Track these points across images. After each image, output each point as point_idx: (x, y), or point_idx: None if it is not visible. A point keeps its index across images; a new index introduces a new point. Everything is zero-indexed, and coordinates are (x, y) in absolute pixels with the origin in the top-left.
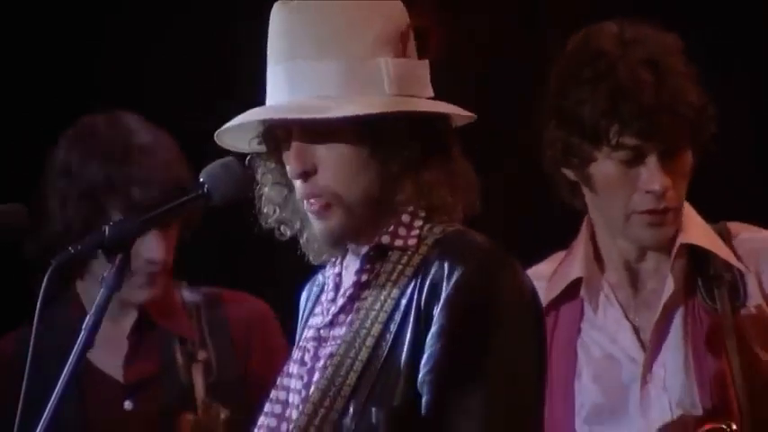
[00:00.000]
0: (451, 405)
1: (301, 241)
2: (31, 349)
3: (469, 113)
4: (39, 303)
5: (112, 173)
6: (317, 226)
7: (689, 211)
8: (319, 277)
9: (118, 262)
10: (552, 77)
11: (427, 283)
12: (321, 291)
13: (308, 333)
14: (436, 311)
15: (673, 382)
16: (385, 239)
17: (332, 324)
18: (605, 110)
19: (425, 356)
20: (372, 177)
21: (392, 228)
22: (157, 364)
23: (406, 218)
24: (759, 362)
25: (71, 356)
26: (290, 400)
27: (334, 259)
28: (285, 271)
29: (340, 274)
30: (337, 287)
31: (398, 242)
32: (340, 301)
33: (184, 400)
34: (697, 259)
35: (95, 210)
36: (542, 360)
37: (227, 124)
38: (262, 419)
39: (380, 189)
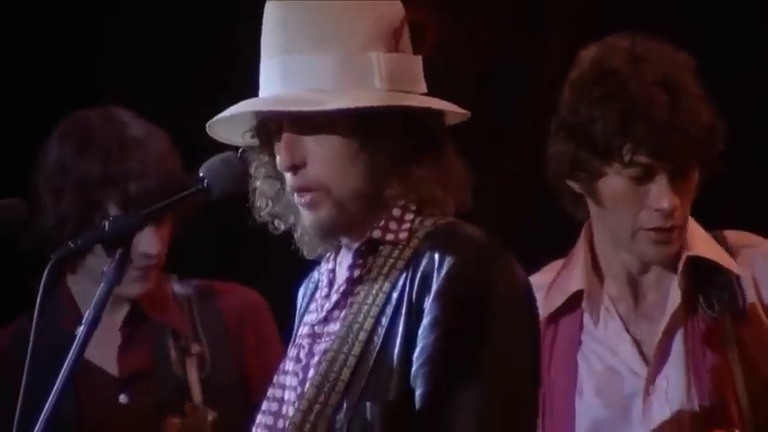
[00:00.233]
0: (446, 398)
1: (296, 235)
2: (31, 343)
3: (462, 110)
4: (39, 298)
5: (108, 166)
6: (307, 219)
7: (692, 224)
8: (315, 274)
9: (118, 257)
10: (562, 92)
11: (418, 275)
12: (316, 287)
13: (304, 330)
14: (427, 303)
15: (675, 394)
16: (376, 234)
17: (326, 320)
18: (619, 128)
19: (418, 349)
20: (362, 171)
21: (383, 222)
22: (151, 357)
23: (396, 212)
24: (760, 372)
25: (70, 352)
26: (287, 397)
27: (328, 255)
28: (279, 265)
29: (334, 270)
30: (331, 283)
31: (390, 236)
32: (333, 297)
33: (179, 394)
34: (698, 271)
35: (90, 203)
36: (536, 352)
37: (220, 115)
38: (260, 417)
39: (370, 183)
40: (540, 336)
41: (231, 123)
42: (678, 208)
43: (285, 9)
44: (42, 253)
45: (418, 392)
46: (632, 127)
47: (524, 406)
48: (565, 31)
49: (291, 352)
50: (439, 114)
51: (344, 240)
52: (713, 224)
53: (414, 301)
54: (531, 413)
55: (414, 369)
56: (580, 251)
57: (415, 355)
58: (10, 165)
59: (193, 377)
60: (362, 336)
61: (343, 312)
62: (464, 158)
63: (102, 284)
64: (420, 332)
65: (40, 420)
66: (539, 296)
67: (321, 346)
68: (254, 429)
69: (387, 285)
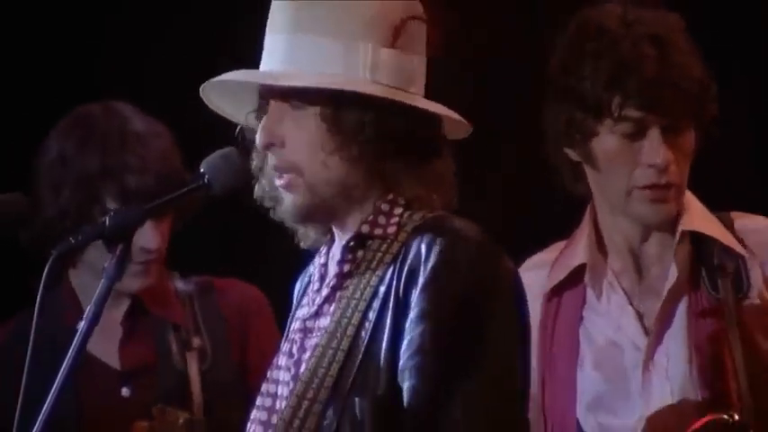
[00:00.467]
0: (434, 391)
1: (273, 215)
2: (32, 340)
3: (453, 114)
4: (39, 294)
5: (106, 159)
6: (284, 200)
7: (691, 198)
8: (310, 268)
9: (119, 252)
10: (554, 56)
11: (405, 268)
12: (310, 282)
13: (296, 325)
14: (414, 296)
15: (675, 370)
16: (365, 229)
17: (317, 315)
18: (608, 82)
19: (405, 342)
20: (335, 159)
21: (372, 217)
22: (153, 351)
23: (385, 206)
24: (761, 351)
25: (71, 348)
26: (280, 392)
27: (321, 250)
28: (278, 259)
29: (326, 265)
30: (322, 278)
31: (378, 231)
32: (324, 292)
33: (180, 388)
34: (700, 246)
35: (90, 197)
36: (526, 342)
37: (209, 81)
38: (254, 413)
39: (344, 173)
40: (529, 326)
41: (237, 101)
42: (672, 163)
43: None
44: (43, 247)
45: (406, 386)
46: (621, 81)
47: (514, 397)
48: (564, 32)
49: (284, 347)
50: (428, 116)
51: (336, 233)
52: (716, 213)
53: (401, 294)
54: (521, 403)
55: (401, 362)
56: (585, 227)
57: (403, 348)
58: (10, 164)
59: (194, 371)
60: (350, 330)
61: (332, 307)
62: (464, 158)
63: (102, 280)
64: (407, 325)
65: (40, 416)
66: (543, 273)
67: (312, 341)
68: (248, 424)
69: (374, 279)
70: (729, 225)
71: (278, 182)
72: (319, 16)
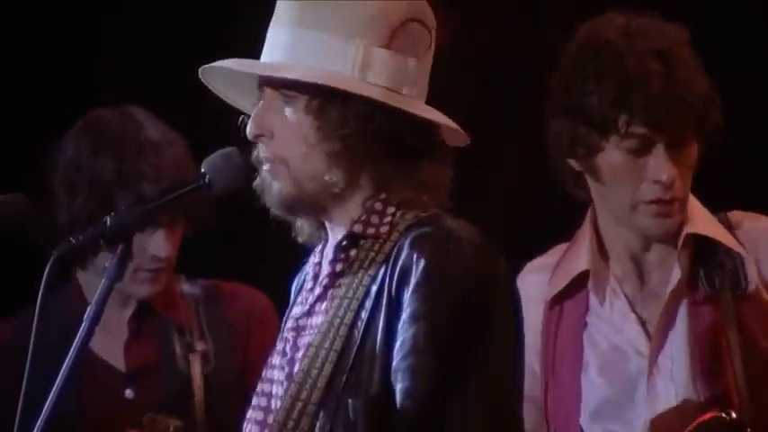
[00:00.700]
0: (428, 393)
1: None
2: (32, 339)
3: (441, 118)
4: (40, 293)
5: (122, 167)
6: (272, 188)
7: (693, 202)
8: (307, 266)
9: (119, 253)
10: (558, 69)
11: (398, 268)
12: (305, 280)
13: (289, 323)
14: (406, 297)
15: (680, 374)
16: (357, 228)
17: (309, 313)
18: (614, 99)
19: (398, 343)
20: (320, 155)
21: (364, 216)
22: (157, 353)
23: (378, 205)
24: (760, 350)
25: (72, 347)
26: (274, 391)
27: (316, 248)
28: (279, 258)
29: (320, 264)
30: (316, 276)
31: (371, 230)
32: (317, 291)
33: (183, 390)
34: (700, 249)
35: (104, 203)
36: (519, 342)
37: (204, 66)
38: (250, 413)
39: (325, 167)
40: (522, 326)
41: (243, 90)
42: (677, 179)
43: None
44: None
45: (399, 387)
46: (628, 98)
47: (511, 397)
48: (565, 32)
49: (279, 345)
50: (418, 119)
51: (329, 231)
52: (714, 214)
53: (393, 294)
54: (518, 404)
55: (394, 363)
56: (585, 232)
57: (395, 349)
58: (10, 164)
59: (197, 374)
60: (343, 330)
61: (324, 305)
62: (466, 158)
63: (103, 280)
64: (399, 326)
65: (42, 414)
66: (544, 277)
67: (304, 340)
68: (244, 424)
69: (367, 279)
70: (728, 225)
71: (265, 167)
72: (320, 13)
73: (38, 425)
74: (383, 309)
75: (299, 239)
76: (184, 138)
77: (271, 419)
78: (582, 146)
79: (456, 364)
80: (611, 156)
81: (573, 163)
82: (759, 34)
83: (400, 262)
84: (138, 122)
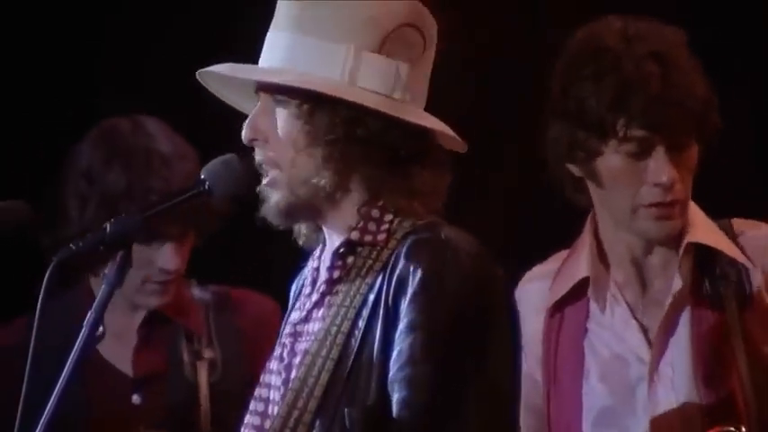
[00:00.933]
0: (424, 404)
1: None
2: (32, 343)
3: (434, 124)
4: (40, 298)
5: (132, 180)
6: (269, 199)
7: (695, 209)
8: (305, 270)
9: (119, 259)
10: (555, 74)
11: (395, 277)
12: (304, 284)
13: (287, 329)
14: (403, 306)
15: (681, 382)
16: (354, 235)
17: (306, 319)
18: (612, 103)
19: (395, 353)
20: (303, 157)
21: (362, 223)
22: (165, 360)
23: (375, 212)
24: (763, 357)
25: (72, 352)
26: (272, 396)
27: (315, 253)
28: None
29: (318, 269)
30: (314, 282)
31: (368, 238)
32: (314, 297)
33: (189, 397)
34: (703, 257)
35: (113, 215)
36: (517, 349)
37: (205, 69)
38: (247, 418)
39: (312, 172)
40: (519, 335)
41: (245, 93)
42: (677, 182)
43: None
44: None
45: (396, 397)
46: (626, 101)
47: (509, 408)
48: (565, 31)
49: (276, 350)
50: (410, 124)
51: (327, 236)
52: (717, 221)
53: (390, 303)
54: (515, 415)
55: (391, 374)
56: (585, 239)
57: (392, 359)
58: (10, 163)
59: (203, 381)
60: (340, 339)
61: (321, 312)
62: (464, 158)
63: (103, 286)
64: (396, 336)
65: (43, 417)
66: (545, 285)
67: (302, 346)
68: (242, 429)
69: (364, 287)
70: (731, 233)
71: (264, 181)
72: (317, 17)
73: (39, 427)
74: (380, 318)
75: (301, 243)
76: (185, 139)
77: (268, 425)
78: (581, 150)
79: (453, 375)
80: (611, 159)
81: (572, 168)
82: (759, 34)
83: (397, 271)
84: (151, 135)
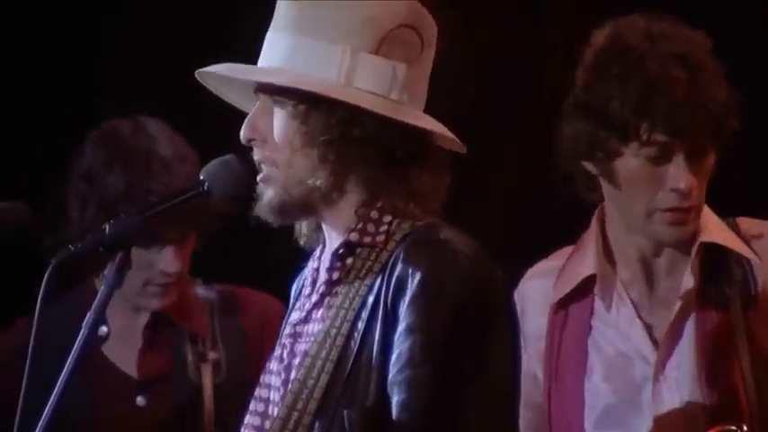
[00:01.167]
0: (430, 405)
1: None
2: (31, 343)
3: (429, 125)
4: (39, 299)
5: (131, 183)
6: (264, 195)
7: (706, 211)
8: (305, 271)
9: (118, 260)
10: (578, 71)
11: (393, 279)
12: (304, 285)
13: (286, 329)
14: (402, 308)
15: (686, 382)
16: (353, 237)
17: (306, 320)
18: (636, 105)
19: (394, 356)
20: (299, 157)
21: (360, 224)
22: (169, 362)
23: (374, 214)
24: (767, 357)
25: (71, 353)
26: (272, 397)
27: (315, 254)
28: (280, 260)
29: (318, 269)
30: (314, 282)
31: (367, 239)
32: (314, 297)
33: (193, 399)
34: (710, 257)
35: (113, 217)
36: (517, 350)
37: (204, 70)
38: (247, 418)
39: (308, 172)
40: (519, 337)
41: (245, 92)
42: (695, 188)
43: None
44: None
45: (395, 400)
46: (651, 104)
47: (508, 410)
48: (565, 31)
49: (276, 351)
50: (407, 125)
51: (326, 236)
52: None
53: (389, 305)
54: (513, 417)
55: (390, 376)
56: (591, 236)
57: (392, 361)
58: (10, 163)
59: (207, 382)
60: (339, 341)
61: (321, 313)
62: (464, 158)
63: (102, 287)
64: (395, 338)
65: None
66: (548, 282)
67: (301, 347)
68: (242, 430)
69: (363, 289)
70: (738, 232)
71: (259, 177)
72: (315, 17)
73: (38, 428)
74: (379, 320)
75: (300, 243)
76: (185, 139)
77: (267, 425)
78: (600, 150)
79: (453, 377)
80: (630, 162)
81: (588, 166)
82: (759, 34)
83: (396, 272)
84: (151, 137)
